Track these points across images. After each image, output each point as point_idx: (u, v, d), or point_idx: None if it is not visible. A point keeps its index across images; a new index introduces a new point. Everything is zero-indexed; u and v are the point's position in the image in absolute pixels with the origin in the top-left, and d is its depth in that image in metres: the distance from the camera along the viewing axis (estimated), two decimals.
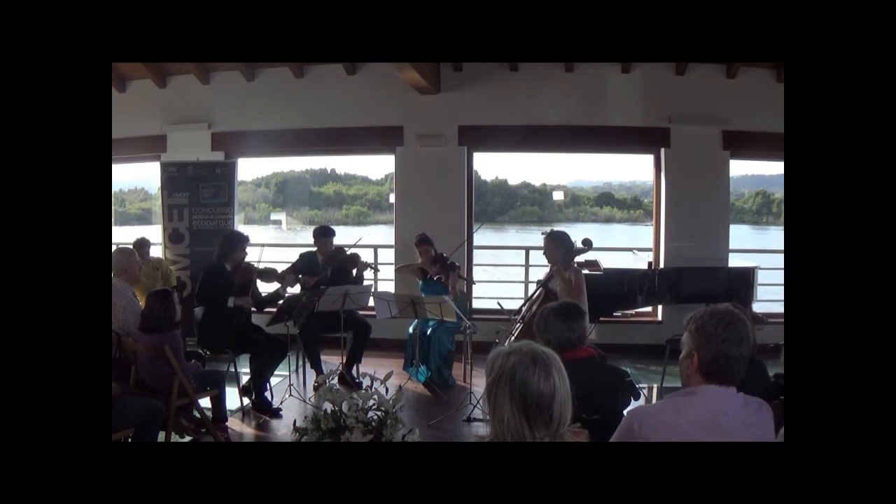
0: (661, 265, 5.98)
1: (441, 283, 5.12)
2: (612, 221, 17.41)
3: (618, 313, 5.88)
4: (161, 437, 3.36)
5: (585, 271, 4.59)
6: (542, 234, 4.47)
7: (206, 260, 5.07)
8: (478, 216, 6.73)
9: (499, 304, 4.67)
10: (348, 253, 5.23)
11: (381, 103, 6.19)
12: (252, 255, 4.86)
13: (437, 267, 5.16)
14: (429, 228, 5.52)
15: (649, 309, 6.13)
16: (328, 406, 2.11)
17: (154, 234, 6.28)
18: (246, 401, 4.45)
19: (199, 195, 6.19)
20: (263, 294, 4.84)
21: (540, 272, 5.39)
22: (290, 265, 5.22)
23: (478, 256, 6.71)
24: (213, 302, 4.41)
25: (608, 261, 5.74)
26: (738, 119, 5.87)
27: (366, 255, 6.06)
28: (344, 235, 5.47)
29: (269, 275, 4.82)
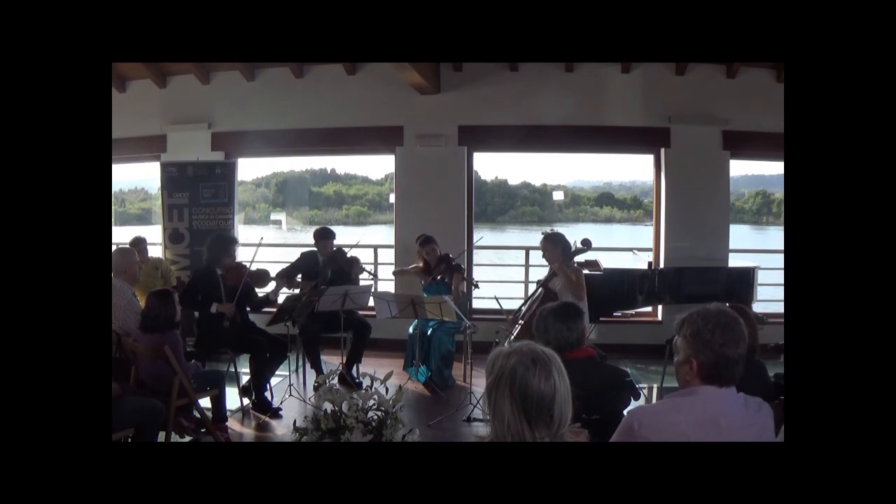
0: (661, 265, 5.98)
1: (444, 282, 5.11)
2: (612, 221, 17.38)
3: (618, 313, 5.88)
4: (161, 437, 3.36)
5: (585, 271, 4.60)
6: (543, 234, 4.47)
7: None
8: (478, 216, 6.74)
9: (496, 298, 4.66)
10: (348, 255, 5.23)
11: (381, 103, 6.19)
12: (248, 255, 4.83)
13: (441, 266, 5.14)
14: (429, 228, 5.52)
15: (649, 309, 6.13)
16: (328, 406, 2.11)
17: (154, 234, 6.28)
18: (246, 401, 4.45)
19: (199, 195, 6.19)
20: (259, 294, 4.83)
21: (540, 272, 5.39)
22: (290, 264, 5.22)
23: (478, 256, 6.72)
24: (195, 306, 4.44)
25: (608, 261, 5.73)
26: (738, 119, 5.87)
27: (366, 255, 6.07)
28: (344, 235, 5.47)
29: (261, 278, 4.79)
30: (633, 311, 6.03)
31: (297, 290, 5.02)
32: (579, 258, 4.46)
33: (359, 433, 2.01)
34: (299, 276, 5.11)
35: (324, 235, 5.17)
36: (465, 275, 5.29)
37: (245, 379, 4.55)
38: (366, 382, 2.25)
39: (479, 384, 4.69)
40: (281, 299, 5.03)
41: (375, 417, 2.06)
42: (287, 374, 5.05)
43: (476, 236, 6.29)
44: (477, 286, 5.23)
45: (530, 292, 4.61)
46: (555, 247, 4.26)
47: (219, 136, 6.45)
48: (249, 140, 6.41)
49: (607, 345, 4.62)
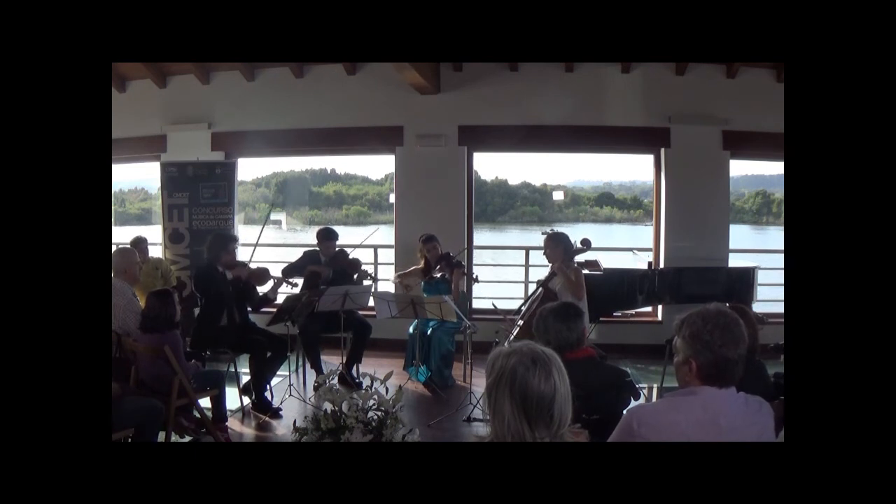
0: (661, 265, 5.98)
1: (445, 280, 5.12)
2: (612, 221, 17.37)
3: (618, 313, 5.88)
4: (161, 437, 3.36)
5: (585, 271, 4.60)
6: (543, 233, 4.49)
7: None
8: (478, 216, 6.74)
9: (493, 304, 4.68)
10: (350, 257, 5.23)
11: (381, 103, 6.19)
12: (246, 255, 4.84)
13: (442, 264, 5.15)
14: (429, 228, 5.52)
15: (649, 309, 6.13)
16: (328, 406, 2.11)
17: (154, 234, 6.27)
18: (246, 401, 4.45)
19: (199, 195, 6.19)
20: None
21: (540, 272, 5.40)
22: (292, 262, 5.23)
23: (478, 256, 6.72)
24: (206, 285, 4.47)
25: (608, 261, 5.73)
26: (738, 119, 5.87)
27: (366, 255, 6.07)
28: (344, 236, 5.47)
29: (260, 276, 4.80)
30: (633, 311, 6.03)
31: (298, 288, 5.02)
32: (579, 258, 4.47)
33: (359, 433, 2.01)
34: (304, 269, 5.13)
35: (327, 236, 5.17)
36: (465, 271, 5.32)
37: (245, 379, 4.55)
38: (366, 382, 2.25)
39: (479, 384, 4.68)
40: (281, 299, 5.03)
41: (375, 417, 2.06)
42: (287, 374, 5.05)
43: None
44: (477, 279, 5.34)
45: (530, 292, 4.61)
46: (556, 246, 4.29)
47: (219, 136, 6.45)
48: (249, 140, 6.41)
49: (607, 345, 4.63)
